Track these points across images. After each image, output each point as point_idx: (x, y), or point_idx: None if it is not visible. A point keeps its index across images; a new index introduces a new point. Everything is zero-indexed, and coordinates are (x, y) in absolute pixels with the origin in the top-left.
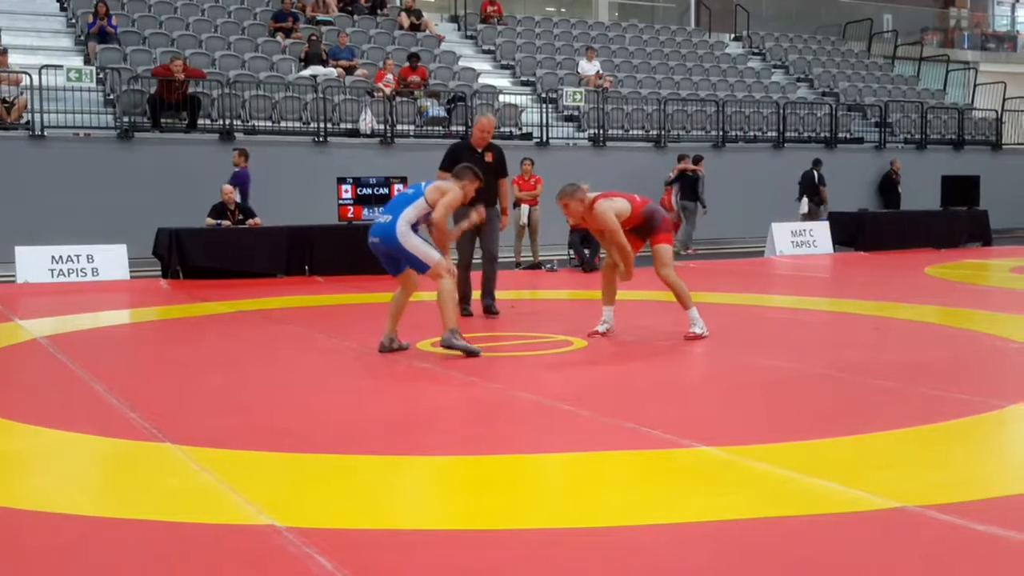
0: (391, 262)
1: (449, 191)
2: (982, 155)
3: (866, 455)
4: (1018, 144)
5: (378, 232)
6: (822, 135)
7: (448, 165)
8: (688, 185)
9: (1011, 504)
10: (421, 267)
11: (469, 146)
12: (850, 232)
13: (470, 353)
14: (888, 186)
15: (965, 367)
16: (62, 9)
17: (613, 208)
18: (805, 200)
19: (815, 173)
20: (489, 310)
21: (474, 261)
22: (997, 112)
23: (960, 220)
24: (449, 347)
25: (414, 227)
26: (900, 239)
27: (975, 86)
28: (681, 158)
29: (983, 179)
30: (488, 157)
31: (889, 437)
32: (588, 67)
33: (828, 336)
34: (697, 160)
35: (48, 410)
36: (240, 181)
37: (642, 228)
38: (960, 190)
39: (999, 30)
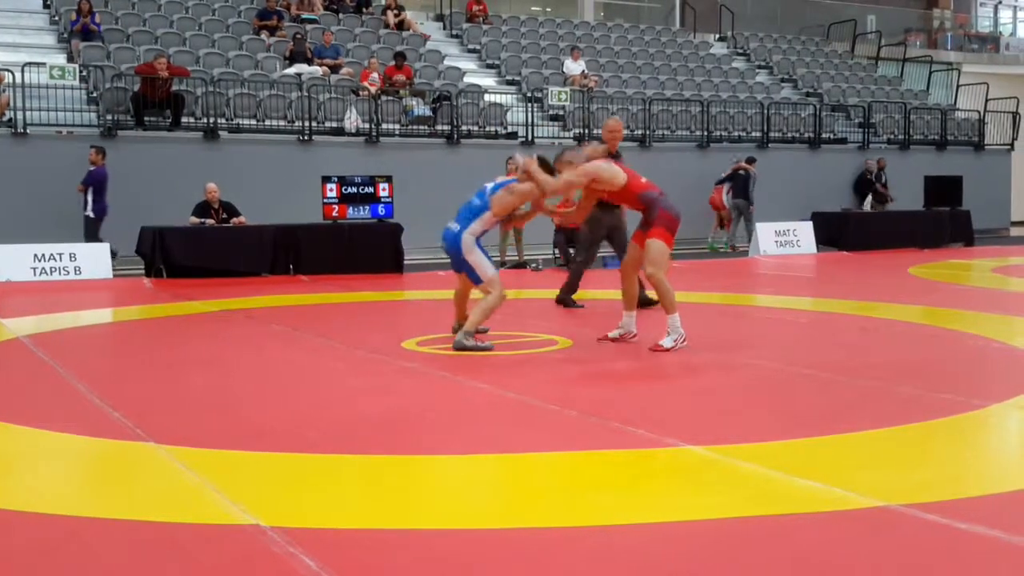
0: (455, 264)
1: (516, 190)
2: (965, 156)
3: (849, 454)
4: (1000, 145)
5: (446, 238)
6: (806, 135)
7: None
8: (740, 184)
9: (993, 503)
10: (476, 279)
11: (607, 151)
12: (833, 232)
13: (482, 350)
14: (864, 186)
15: (948, 367)
16: (45, 6)
17: (597, 167)
18: (869, 198)
19: (880, 173)
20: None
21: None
22: (980, 113)
23: (943, 220)
24: (461, 349)
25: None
26: (883, 239)
27: (958, 87)
28: (736, 160)
29: (966, 179)
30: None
31: (872, 436)
32: (573, 67)
33: (812, 336)
34: (751, 160)
35: (30, 410)
36: (96, 180)
37: (644, 218)
38: (943, 190)
39: (982, 31)
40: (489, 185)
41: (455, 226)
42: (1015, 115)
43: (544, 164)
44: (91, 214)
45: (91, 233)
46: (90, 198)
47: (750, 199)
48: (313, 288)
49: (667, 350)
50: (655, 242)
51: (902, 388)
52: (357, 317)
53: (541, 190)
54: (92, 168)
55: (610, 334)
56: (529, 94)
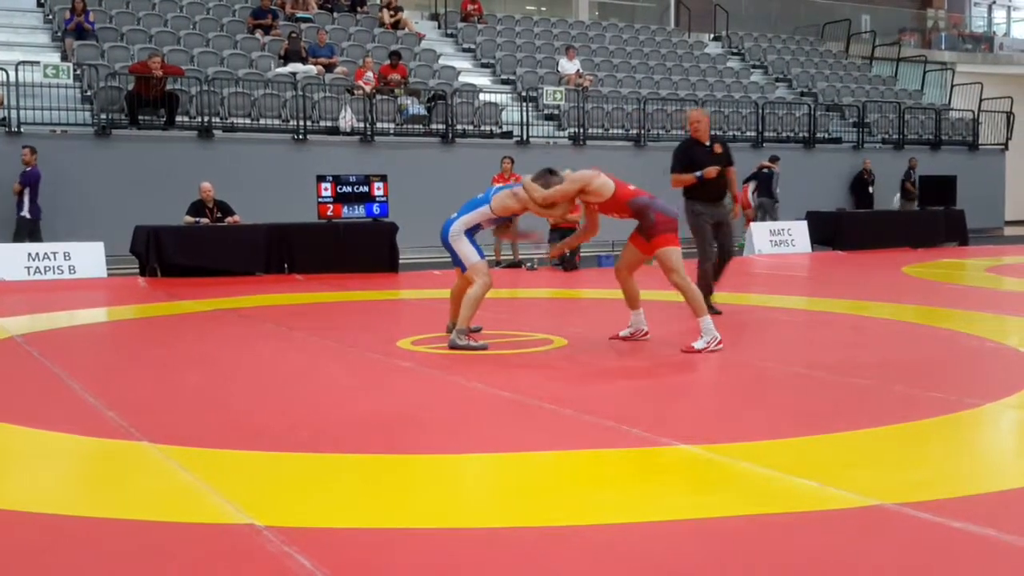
0: (451, 254)
1: (519, 195)
2: (959, 155)
3: (844, 453)
4: (994, 144)
5: (443, 227)
6: (800, 135)
7: (680, 168)
8: (764, 183)
9: (987, 502)
10: (462, 266)
11: (696, 142)
12: (828, 231)
13: (476, 350)
14: (860, 186)
15: (941, 366)
16: (39, 5)
17: (586, 175)
18: (898, 195)
19: (910, 172)
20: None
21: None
22: (974, 112)
23: (937, 220)
24: (453, 348)
25: (473, 230)
26: (877, 238)
27: (952, 87)
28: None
29: (960, 179)
30: (717, 148)
31: (866, 435)
32: (568, 66)
33: (806, 335)
34: (773, 159)
35: (24, 409)
36: (31, 180)
37: (639, 225)
38: (937, 190)
39: (976, 31)
40: (498, 185)
41: (453, 215)
42: (1009, 115)
43: (551, 172)
44: (28, 215)
45: (30, 233)
46: (27, 198)
47: (775, 197)
48: (308, 287)
49: (699, 351)
50: (666, 250)
51: (896, 387)
52: (352, 316)
53: (532, 200)
54: (27, 168)
55: (621, 333)
56: (524, 93)
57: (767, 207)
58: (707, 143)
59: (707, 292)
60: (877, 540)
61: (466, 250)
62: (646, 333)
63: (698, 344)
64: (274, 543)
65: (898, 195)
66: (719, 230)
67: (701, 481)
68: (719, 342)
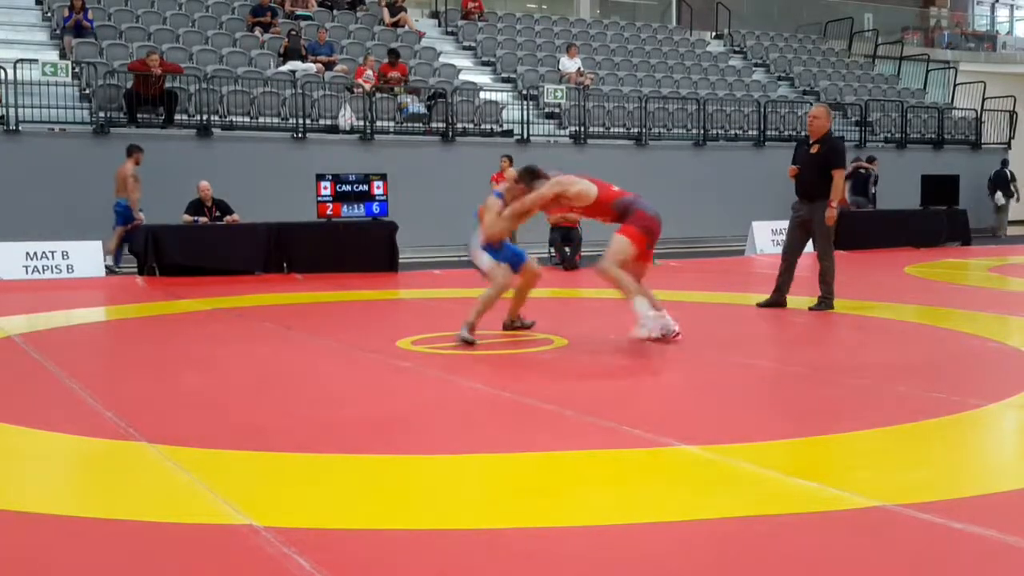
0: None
1: (489, 206)
2: (962, 155)
3: (845, 454)
4: (997, 144)
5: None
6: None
7: (792, 161)
8: (860, 182)
9: (989, 502)
10: (481, 272)
11: (806, 139)
12: None
13: (468, 344)
14: (863, 185)
15: (944, 366)
16: (38, 3)
17: (566, 181)
18: (1000, 194)
19: (1007, 172)
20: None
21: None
22: (977, 112)
23: (939, 219)
24: (460, 341)
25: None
26: (879, 238)
27: (955, 85)
28: (856, 159)
29: (963, 179)
30: (813, 149)
31: (868, 436)
32: (569, 64)
33: (808, 335)
34: (871, 160)
35: (22, 409)
36: None
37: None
38: (940, 189)
39: (979, 29)
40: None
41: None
42: (1012, 114)
43: (532, 172)
44: None
45: None
46: None
47: (870, 197)
48: (307, 287)
49: (644, 339)
50: (620, 237)
51: (898, 388)
52: (351, 316)
53: (516, 213)
54: None
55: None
56: (525, 92)
57: (861, 205)
58: (812, 140)
59: (778, 288)
60: (880, 541)
61: (481, 259)
62: (677, 333)
63: (640, 332)
64: (273, 544)
65: (999, 193)
66: (807, 228)
67: (701, 481)
68: (660, 325)
